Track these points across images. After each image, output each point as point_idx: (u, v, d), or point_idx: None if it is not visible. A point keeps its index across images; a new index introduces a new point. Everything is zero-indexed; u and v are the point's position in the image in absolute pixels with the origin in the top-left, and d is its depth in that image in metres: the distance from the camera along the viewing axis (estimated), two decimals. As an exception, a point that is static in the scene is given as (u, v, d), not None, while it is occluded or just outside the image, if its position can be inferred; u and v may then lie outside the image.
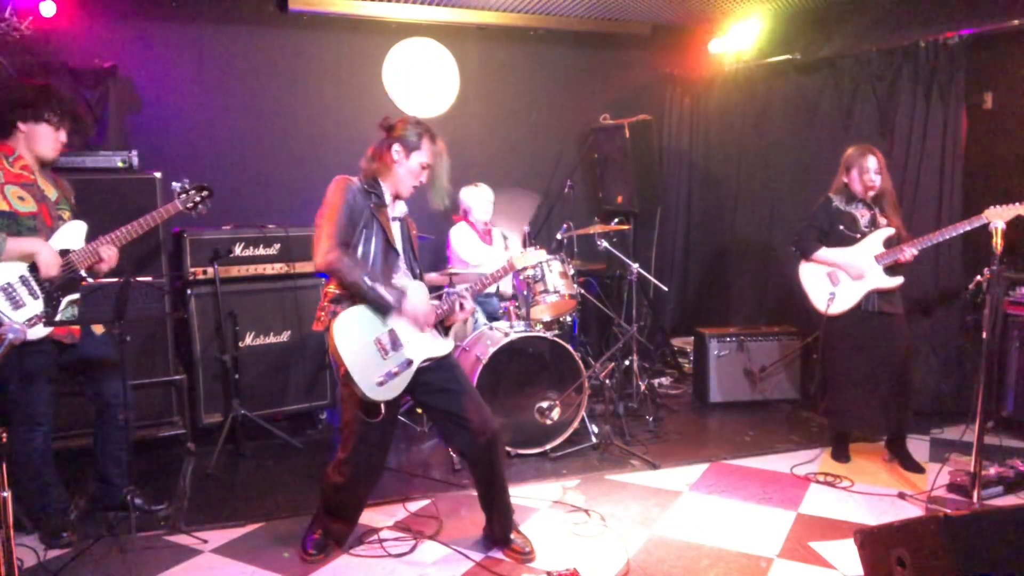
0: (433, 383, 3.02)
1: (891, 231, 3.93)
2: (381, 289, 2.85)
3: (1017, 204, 3.56)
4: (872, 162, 3.90)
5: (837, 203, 4.02)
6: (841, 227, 3.98)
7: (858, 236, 3.96)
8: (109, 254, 3.24)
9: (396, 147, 2.95)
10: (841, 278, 3.99)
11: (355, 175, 2.99)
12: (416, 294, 2.95)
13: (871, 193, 3.94)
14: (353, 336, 2.84)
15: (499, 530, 3.16)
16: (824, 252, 4.02)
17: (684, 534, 3.31)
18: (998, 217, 3.55)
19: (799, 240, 4.11)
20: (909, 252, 3.84)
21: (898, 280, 3.90)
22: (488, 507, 3.16)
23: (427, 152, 2.99)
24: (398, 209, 3.09)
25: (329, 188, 2.92)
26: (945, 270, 4.80)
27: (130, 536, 3.19)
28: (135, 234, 3.31)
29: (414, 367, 2.96)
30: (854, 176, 3.95)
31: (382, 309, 2.88)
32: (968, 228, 3.75)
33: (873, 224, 3.96)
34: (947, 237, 3.82)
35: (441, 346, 3.07)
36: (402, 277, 3.04)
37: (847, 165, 3.99)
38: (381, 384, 2.85)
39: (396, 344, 2.92)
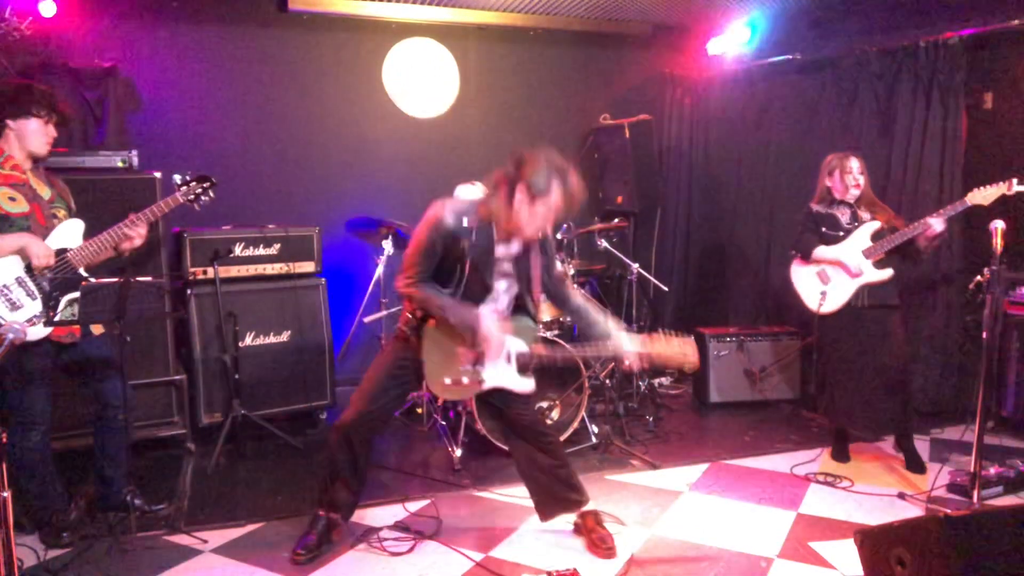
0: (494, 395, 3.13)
1: (878, 224, 3.95)
2: (459, 310, 2.86)
3: (999, 184, 3.57)
4: (855, 164, 3.96)
5: (818, 208, 4.08)
6: (824, 228, 4.03)
7: (840, 234, 4.00)
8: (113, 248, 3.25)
9: (520, 189, 2.75)
10: (831, 276, 4.00)
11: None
12: (492, 318, 2.90)
13: (855, 192, 3.97)
14: (443, 342, 2.94)
15: (541, 511, 3.26)
16: (821, 250, 4.05)
17: (684, 534, 3.31)
18: (981, 199, 3.59)
19: (797, 243, 4.16)
20: (900, 238, 3.83)
21: (887, 273, 3.91)
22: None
23: (557, 195, 2.75)
24: (515, 244, 2.94)
25: (424, 216, 2.88)
26: (945, 270, 4.79)
27: (130, 536, 3.19)
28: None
29: (483, 388, 3.03)
30: (836, 178, 3.99)
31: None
32: (952, 213, 3.81)
33: (855, 220, 3.99)
34: (931, 222, 3.81)
35: (519, 384, 3.09)
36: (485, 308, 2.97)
37: (829, 169, 4.04)
38: (446, 386, 2.97)
39: (480, 362, 2.98)
